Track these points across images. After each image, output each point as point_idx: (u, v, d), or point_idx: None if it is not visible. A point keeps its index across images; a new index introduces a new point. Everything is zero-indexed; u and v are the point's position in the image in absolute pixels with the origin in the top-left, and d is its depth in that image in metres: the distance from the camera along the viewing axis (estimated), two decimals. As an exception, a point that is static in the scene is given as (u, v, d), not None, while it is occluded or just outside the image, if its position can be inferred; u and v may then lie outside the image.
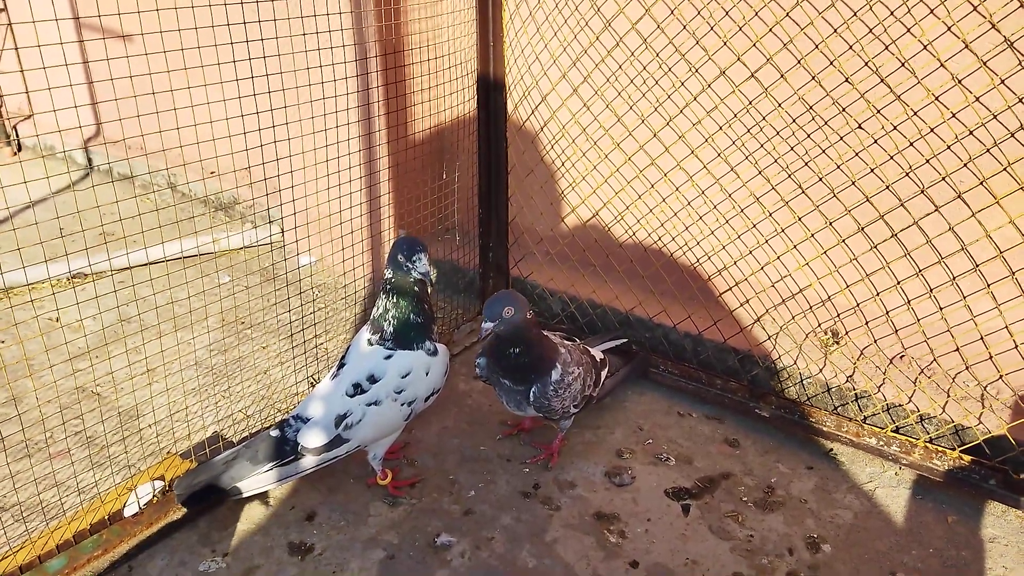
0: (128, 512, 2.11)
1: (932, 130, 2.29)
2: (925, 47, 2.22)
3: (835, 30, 2.35)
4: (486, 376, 2.34)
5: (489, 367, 2.31)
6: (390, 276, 2.14)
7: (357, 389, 2.13)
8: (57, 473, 2.30)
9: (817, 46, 2.38)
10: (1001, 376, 2.31)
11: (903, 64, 2.27)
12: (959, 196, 2.27)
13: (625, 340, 2.83)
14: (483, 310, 2.16)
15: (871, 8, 2.27)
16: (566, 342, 2.38)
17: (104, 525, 2.07)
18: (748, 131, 2.64)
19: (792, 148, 2.58)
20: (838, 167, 2.49)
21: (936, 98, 2.23)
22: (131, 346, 2.69)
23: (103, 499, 2.13)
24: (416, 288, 2.15)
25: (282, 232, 3.80)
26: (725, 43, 2.51)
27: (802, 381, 2.64)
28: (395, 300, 2.14)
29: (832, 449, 2.49)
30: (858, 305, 2.56)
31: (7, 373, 2.51)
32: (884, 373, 2.56)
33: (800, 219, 2.58)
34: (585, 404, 2.39)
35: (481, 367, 2.34)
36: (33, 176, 1.87)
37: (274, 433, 2.15)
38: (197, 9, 1.98)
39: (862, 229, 2.47)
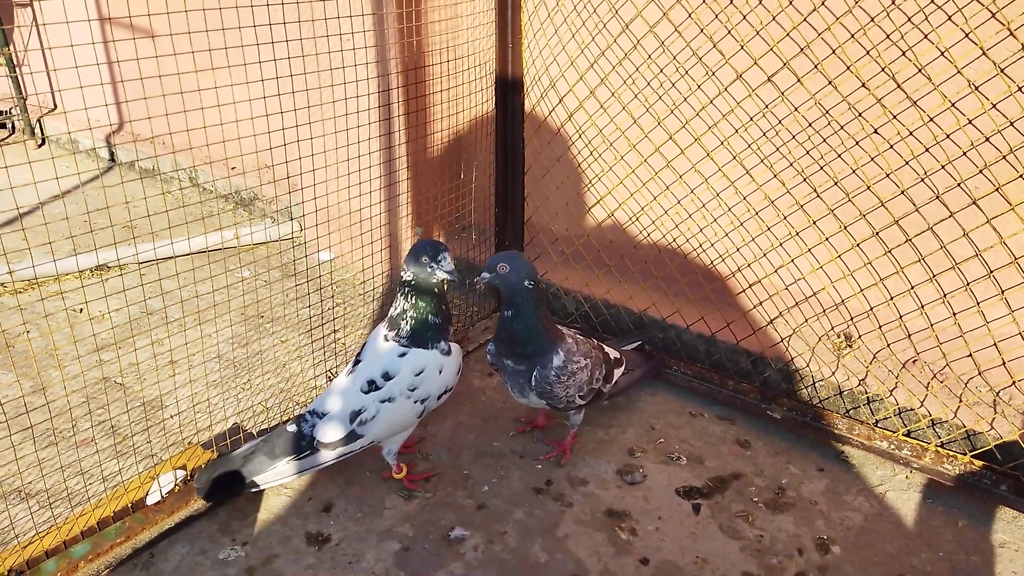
0: (151, 500, 2.17)
1: (948, 136, 2.30)
2: (942, 53, 2.23)
3: (852, 35, 2.36)
4: (494, 361, 2.38)
5: (496, 350, 2.35)
6: (410, 278, 2.17)
7: (371, 386, 2.17)
8: (82, 461, 2.36)
9: (834, 51, 2.40)
10: (1014, 382, 2.32)
11: (920, 70, 2.28)
12: (974, 202, 2.28)
13: (641, 343, 2.86)
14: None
15: (888, 15, 2.28)
16: (578, 336, 2.41)
17: (127, 513, 2.12)
18: (764, 134, 2.66)
19: (808, 152, 2.60)
20: (853, 171, 2.50)
21: (952, 104, 2.24)
22: (155, 338, 2.75)
23: (127, 487, 2.19)
24: (437, 289, 2.19)
25: (303, 228, 3.86)
26: (742, 47, 2.53)
27: (814, 384, 2.66)
28: (413, 301, 2.18)
29: (843, 452, 2.51)
30: (871, 309, 2.58)
31: (36, 363, 2.58)
32: (896, 377, 2.57)
33: (815, 222, 2.60)
34: (594, 398, 2.41)
35: (491, 352, 2.38)
36: (58, 169, 1.92)
37: (291, 428, 2.20)
38: (221, 8, 2.04)
39: (876, 234, 2.49)
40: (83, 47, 1.87)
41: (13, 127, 5.94)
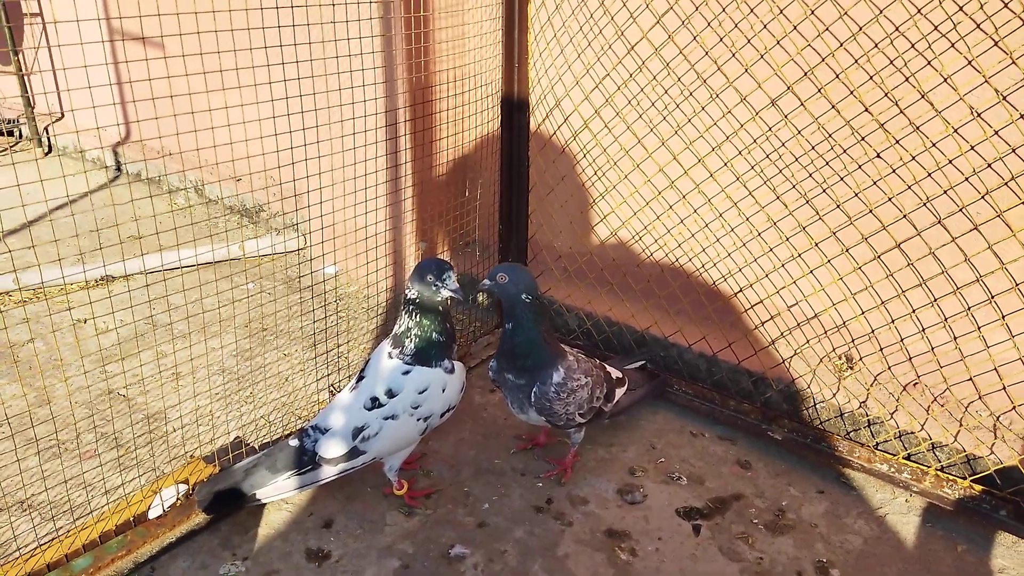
0: (153, 514, 2.18)
1: (950, 161, 2.32)
2: (945, 80, 2.26)
3: (855, 61, 2.38)
4: (495, 377, 2.39)
5: (498, 365, 2.36)
6: (414, 296, 2.19)
7: (375, 403, 2.18)
8: (86, 474, 2.37)
9: (838, 76, 2.42)
10: (1014, 407, 2.33)
11: (922, 96, 2.30)
12: (975, 228, 2.29)
13: (644, 363, 2.87)
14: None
15: (892, 42, 2.31)
16: (580, 355, 2.42)
17: (129, 526, 2.13)
18: (767, 157, 2.68)
19: (811, 175, 2.62)
20: (856, 195, 2.52)
21: (955, 130, 2.26)
22: (159, 350, 2.77)
23: (129, 501, 2.20)
24: (441, 308, 2.20)
25: (308, 243, 3.88)
26: (747, 70, 2.55)
27: (815, 405, 2.66)
28: (418, 319, 2.19)
29: (844, 474, 2.51)
30: (873, 332, 2.59)
31: (41, 374, 2.59)
32: (897, 400, 2.58)
33: (817, 244, 2.61)
34: (594, 416, 2.42)
35: (492, 369, 2.39)
36: (65, 178, 1.93)
37: (293, 443, 2.21)
38: (227, 19, 2.07)
39: (878, 257, 2.50)
40: (96, 67, 1.89)
41: (20, 134, 5.99)
